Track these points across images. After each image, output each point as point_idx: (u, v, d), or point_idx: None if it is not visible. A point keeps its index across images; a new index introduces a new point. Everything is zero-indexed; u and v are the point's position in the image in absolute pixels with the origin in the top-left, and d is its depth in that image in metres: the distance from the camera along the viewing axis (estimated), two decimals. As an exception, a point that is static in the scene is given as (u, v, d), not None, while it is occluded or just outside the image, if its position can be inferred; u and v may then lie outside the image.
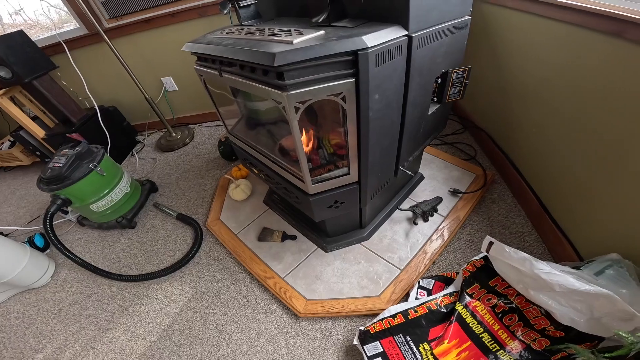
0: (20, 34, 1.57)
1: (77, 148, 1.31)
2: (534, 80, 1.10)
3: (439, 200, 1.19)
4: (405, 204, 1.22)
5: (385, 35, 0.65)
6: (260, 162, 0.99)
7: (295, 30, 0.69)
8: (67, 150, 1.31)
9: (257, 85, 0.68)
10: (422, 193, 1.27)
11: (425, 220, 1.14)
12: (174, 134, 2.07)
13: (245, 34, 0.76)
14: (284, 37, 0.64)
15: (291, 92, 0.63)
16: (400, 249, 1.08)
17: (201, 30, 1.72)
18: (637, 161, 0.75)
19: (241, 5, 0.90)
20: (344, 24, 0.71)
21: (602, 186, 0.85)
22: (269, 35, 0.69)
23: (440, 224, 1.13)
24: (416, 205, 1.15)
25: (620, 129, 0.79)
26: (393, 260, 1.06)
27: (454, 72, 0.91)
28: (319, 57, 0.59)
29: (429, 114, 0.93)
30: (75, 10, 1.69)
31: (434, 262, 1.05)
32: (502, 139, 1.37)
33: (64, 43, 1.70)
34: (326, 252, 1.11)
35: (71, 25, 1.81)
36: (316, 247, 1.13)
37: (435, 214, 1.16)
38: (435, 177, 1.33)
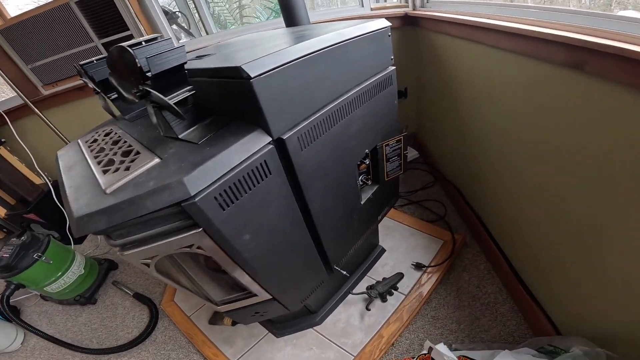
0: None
1: (23, 237, 1.28)
2: (489, 124, 0.91)
3: (399, 277, 1.04)
4: (363, 283, 1.06)
5: (229, 159, 0.46)
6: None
7: (135, 153, 0.54)
8: (14, 239, 1.29)
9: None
10: (382, 269, 1.12)
11: (384, 300, 0.99)
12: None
13: (98, 152, 0.62)
14: (109, 176, 0.50)
15: (126, 253, 0.50)
16: (355, 333, 0.96)
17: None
18: (617, 235, 0.57)
19: (112, 97, 0.76)
20: (193, 135, 0.53)
21: (580, 260, 0.68)
22: (106, 163, 0.55)
23: (400, 303, 0.99)
24: (372, 287, 1.00)
25: (593, 196, 0.60)
26: (346, 346, 0.94)
27: (385, 145, 0.70)
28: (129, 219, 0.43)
29: (362, 203, 0.73)
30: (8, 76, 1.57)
31: (392, 345, 0.93)
32: (471, 193, 1.17)
33: (5, 114, 1.56)
34: (277, 337, 1.00)
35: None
36: (267, 331, 1.03)
37: (395, 292, 1.01)
38: (398, 248, 1.17)
